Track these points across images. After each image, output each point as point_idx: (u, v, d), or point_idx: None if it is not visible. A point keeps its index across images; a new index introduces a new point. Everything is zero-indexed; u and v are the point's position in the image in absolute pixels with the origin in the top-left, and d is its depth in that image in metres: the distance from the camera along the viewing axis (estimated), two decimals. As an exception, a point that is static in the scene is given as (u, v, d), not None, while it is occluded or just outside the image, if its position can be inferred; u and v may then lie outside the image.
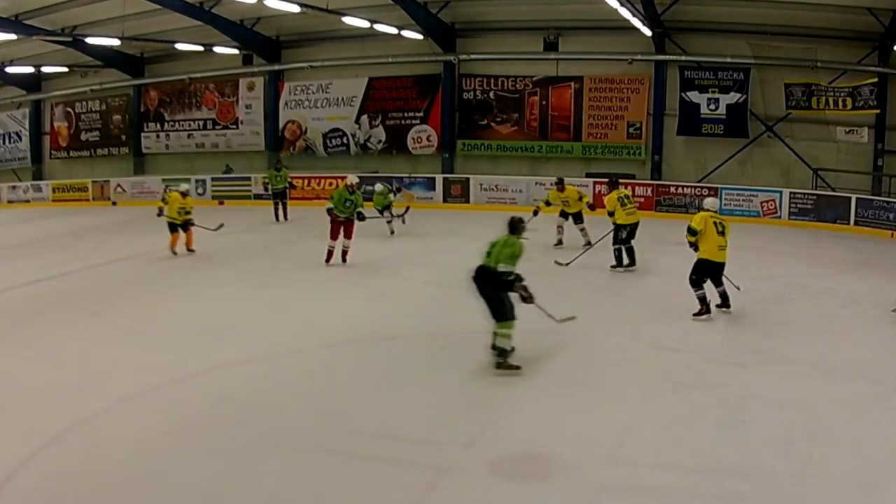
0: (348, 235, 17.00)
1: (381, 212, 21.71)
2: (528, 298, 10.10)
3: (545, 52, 28.49)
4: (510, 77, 29.14)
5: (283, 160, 26.79)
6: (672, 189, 25.93)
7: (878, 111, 24.79)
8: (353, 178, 17.59)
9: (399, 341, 11.99)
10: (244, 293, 15.33)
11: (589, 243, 17.95)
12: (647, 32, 25.78)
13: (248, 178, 30.90)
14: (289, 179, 25.33)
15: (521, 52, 28.76)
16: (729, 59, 26.09)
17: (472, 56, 29.26)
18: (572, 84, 28.42)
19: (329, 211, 16.87)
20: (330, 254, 16.98)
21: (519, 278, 10.03)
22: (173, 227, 18.77)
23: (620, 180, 23.28)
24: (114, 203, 31.87)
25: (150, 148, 35.27)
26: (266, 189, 25.75)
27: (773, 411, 8.86)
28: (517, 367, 10.03)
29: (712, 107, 26.43)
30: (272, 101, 31.94)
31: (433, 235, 21.67)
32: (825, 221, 24.02)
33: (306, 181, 29.12)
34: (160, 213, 19.47)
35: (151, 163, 35.54)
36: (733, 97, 26.23)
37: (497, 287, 9.93)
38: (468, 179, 28.51)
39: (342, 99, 30.88)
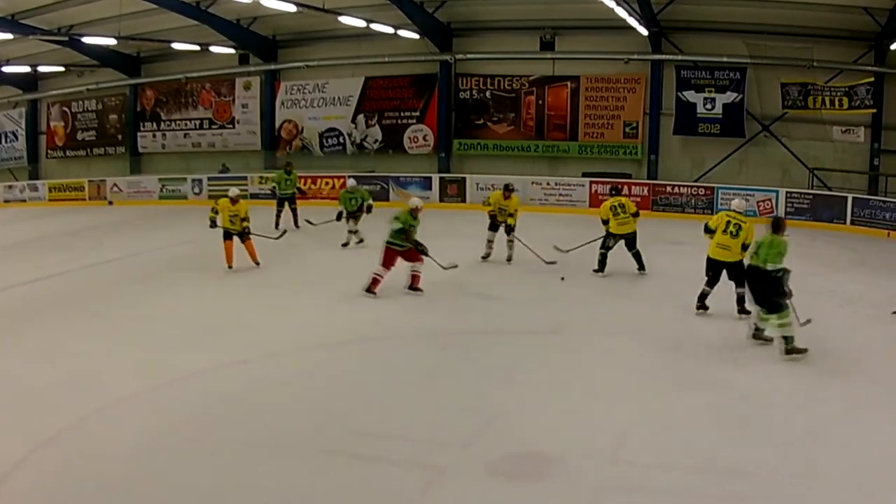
0: (415, 259, 14.55)
1: (349, 215, 19.90)
2: (789, 294, 10.58)
3: (541, 52, 28.41)
4: (506, 76, 29.03)
5: (293, 162, 25.31)
6: (668, 189, 25.80)
7: (874, 110, 24.74)
8: (417, 202, 15.29)
9: (399, 341, 11.91)
10: (243, 293, 15.25)
11: (510, 259, 17.48)
12: (644, 32, 25.60)
13: (245, 178, 30.50)
14: (298, 184, 23.97)
15: (518, 51, 28.67)
16: (725, 59, 25.99)
17: (469, 55, 29.18)
18: (568, 83, 28.31)
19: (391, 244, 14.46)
20: (375, 282, 14.32)
21: (786, 272, 10.59)
22: (227, 235, 16.75)
23: (620, 181, 23.60)
24: (110, 202, 31.74)
25: (147, 147, 35.16)
26: (274, 193, 23.42)
27: (773, 411, 8.86)
28: (804, 350, 10.42)
29: (708, 106, 26.32)
30: (268, 101, 32.03)
31: (430, 236, 18.15)
32: (822, 221, 23.91)
33: (303, 181, 27.85)
34: (213, 225, 17.01)
35: (148, 162, 35.52)
36: (729, 97, 26.13)
37: (769, 284, 10.50)
38: (464, 179, 28.35)
39: (338, 98, 30.83)
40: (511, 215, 17.12)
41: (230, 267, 16.33)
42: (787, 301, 10.67)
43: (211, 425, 8.69)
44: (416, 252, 14.47)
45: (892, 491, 7.05)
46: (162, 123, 34.69)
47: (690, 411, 8.98)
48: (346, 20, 25.20)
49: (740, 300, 12.54)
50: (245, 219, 16.79)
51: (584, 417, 8.72)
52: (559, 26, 27.92)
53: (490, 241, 17.52)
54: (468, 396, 9.41)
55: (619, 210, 15.80)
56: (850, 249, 19.65)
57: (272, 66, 31.62)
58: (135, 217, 26.35)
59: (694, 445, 7.98)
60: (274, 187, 23.33)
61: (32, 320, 13.28)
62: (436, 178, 28.86)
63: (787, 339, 10.62)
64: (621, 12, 22.52)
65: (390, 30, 26.56)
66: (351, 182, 20.82)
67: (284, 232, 18.58)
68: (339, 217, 19.23)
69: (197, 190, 31.24)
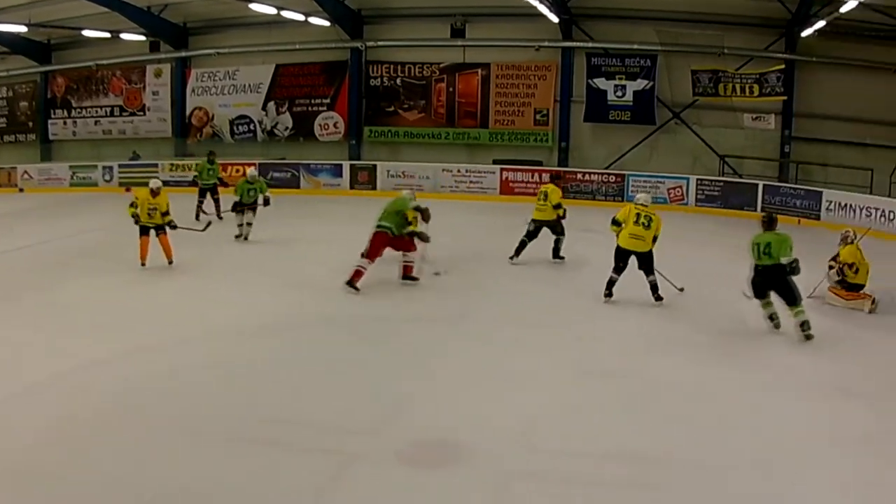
0: (407, 248, 13.79)
1: (244, 207, 18.44)
2: (797, 269, 10.96)
3: (452, 39, 27.69)
4: (417, 64, 28.26)
5: (216, 151, 23.67)
6: (579, 176, 25.28)
7: (785, 98, 24.60)
8: (408, 194, 14.45)
9: (311, 329, 11.75)
10: (156, 280, 14.92)
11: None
12: (554, 19, 25.12)
13: (156, 165, 29.28)
14: (220, 174, 22.43)
15: (428, 38, 27.92)
16: (636, 46, 25.64)
17: (380, 43, 28.36)
18: (479, 71, 27.69)
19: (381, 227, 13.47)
20: (358, 275, 13.37)
21: (797, 262, 10.96)
22: (144, 230, 15.30)
23: (557, 170, 23.74)
24: (21, 190, 30.21)
25: (58, 134, 33.79)
26: (196, 182, 21.97)
27: (678, 398, 8.88)
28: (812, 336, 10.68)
29: (619, 93, 26.02)
30: (179, 88, 30.70)
31: (341, 223, 20.57)
32: (732, 208, 23.73)
33: (219, 167, 26.00)
34: (138, 221, 15.44)
35: (59, 149, 33.80)
36: (640, 84, 25.83)
37: (786, 276, 10.86)
38: (375, 166, 27.50)
39: (249, 86, 29.73)
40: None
41: (143, 264, 15.04)
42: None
43: (120, 412, 8.47)
44: (407, 241, 13.82)
45: (798, 473, 7.06)
46: (73, 111, 33.42)
47: (599, 399, 8.97)
48: (256, 7, 24.72)
49: (654, 288, 12.74)
50: (166, 212, 15.38)
51: (494, 405, 8.64)
52: (470, 13, 27.31)
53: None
54: (379, 383, 9.32)
55: (540, 196, 15.50)
56: None
57: (183, 54, 30.43)
58: (46, 204, 25.42)
59: (602, 432, 7.99)
60: (196, 177, 22.15)
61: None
62: (346, 165, 27.89)
63: (805, 325, 10.95)
64: (532, 0, 22.31)
65: (301, 17, 26.00)
66: (251, 172, 19.77)
67: (209, 224, 17.05)
68: (234, 208, 18.16)
69: (108, 177, 29.99)
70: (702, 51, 24.90)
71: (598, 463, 7.29)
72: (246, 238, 17.99)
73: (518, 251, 15.44)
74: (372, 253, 13.25)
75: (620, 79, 25.97)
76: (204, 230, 16.33)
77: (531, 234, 15.48)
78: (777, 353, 10.70)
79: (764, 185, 23.78)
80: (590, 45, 26.22)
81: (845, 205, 21.14)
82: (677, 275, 13.57)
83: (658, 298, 12.59)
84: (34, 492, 6.80)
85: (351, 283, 13.06)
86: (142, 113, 31.81)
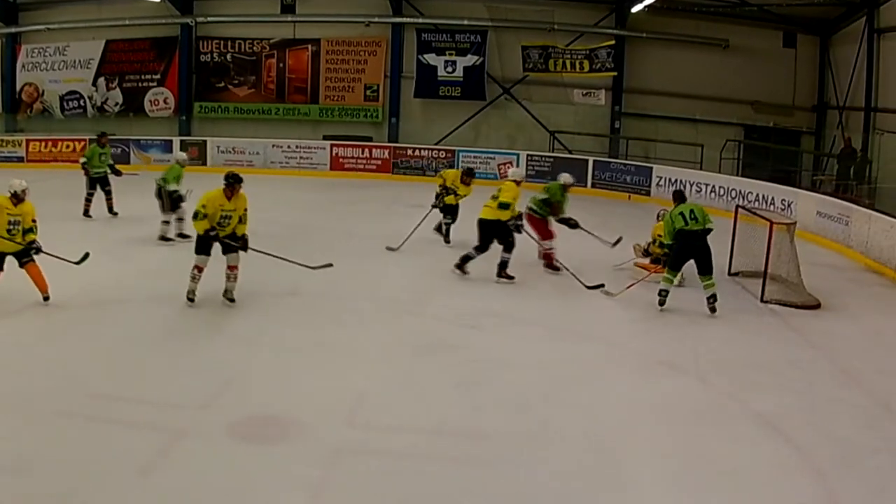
0: (546, 235, 11.48)
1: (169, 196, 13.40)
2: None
3: (282, 15, 22.34)
4: (247, 39, 22.48)
5: (107, 133, 16.23)
6: (409, 152, 20.97)
7: (615, 73, 21.24)
8: (567, 177, 12.10)
9: (134, 304, 10.12)
10: None
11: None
12: None
13: None
14: (111, 161, 14.98)
15: (259, 14, 22.41)
16: (466, 22, 21.53)
17: (210, 18, 22.54)
18: (309, 46, 22.31)
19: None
20: (548, 258, 11.38)
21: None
22: None
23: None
24: None
25: None
26: (86, 171, 14.52)
27: (509, 374, 8.07)
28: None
29: (449, 69, 21.72)
30: (9, 64, 24.46)
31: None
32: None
33: (44, 143, 23.02)
34: None
35: None
36: (470, 59, 21.64)
37: (708, 243, 10.00)
38: (205, 142, 21.78)
39: (79, 62, 23.81)
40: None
41: None
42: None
43: None
44: (547, 228, 11.92)
45: (623, 448, 6.54)
46: None
47: (428, 374, 8.07)
48: None
49: (500, 264, 11.19)
50: (30, 229, 9.02)
51: (322, 380, 7.69)
52: None
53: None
54: (208, 359, 8.16)
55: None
56: (589, 213, 15.92)
57: (13, 30, 24.21)
58: None
59: (431, 408, 7.25)
60: (84, 163, 14.59)
61: None
62: (176, 140, 22.21)
63: (713, 297, 10.10)
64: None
65: None
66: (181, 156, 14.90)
67: (87, 255, 10.10)
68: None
69: None
70: (532, 26, 21.34)
71: (427, 439, 6.64)
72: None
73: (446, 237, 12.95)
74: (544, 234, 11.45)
75: (450, 55, 21.80)
76: (80, 262, 9.98)
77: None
78: (609, 330, 9.67)
79: (594, 161, 20.43)
80: (420, 20, 21.74)
81: (675, 180, 17.92)
82: (515, 250, 11.87)
83: (506, 276, 10.83)
84: None
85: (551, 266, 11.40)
86: (-34, 89, 24.77)
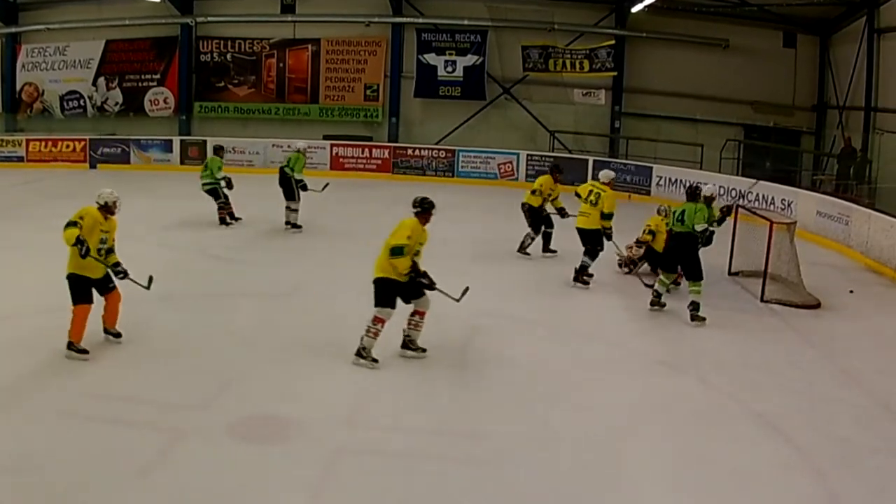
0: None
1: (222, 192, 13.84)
2: (709, 240, 10.07)
3: (282, 15, 22.84)
4: (247, 39, 22.92)
5: (223, 146, 15.78)
6: (409, 151, 21.33)
7: (615, 73, 21.65)
8: (710, 189, 11.19)
9: (134, 304, 9.41)
10: None
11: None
12: None
13: None
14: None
15: (259, 14, 22.87)
16: (466, 22, 21.94)
17: (209, 18, 22.94)
18: (310, 46, 22.78)
19: None
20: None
21: (710, 232, 10.10)
22: (84, 287, 7.80)
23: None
24: None
25: None
26: (229, 184, 14.08)
27: (509, 373, 8.26)
28: (704, 318, 9.67)
29: (449, 69, 22.14)
30: (9, 64, 24.89)
31: (169, 197, 18.06)
32: (563, 184, 20.00)
33: (44, 143, 23.34)
34: (85, 250, 7.58)
35: None
36: (470, 59, 22.06)
37: (695, 247, 9.78)
38: (205, 142, 21.69)
39: (79, 61, 24.18)
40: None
41: (83, 353, 8.01)
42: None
43: None
44: None
45: (623, 448, 6.68)
46: None
47: (428, 375, 8.16)
48: None
49: (578, 269, 11.31)
50: (112, 249, 8.01)
51: (322, 380, 7.84)
52: None
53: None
54: (207, 360, 8.25)
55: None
56: None
57: (13, 30, 24.58)
58: None
59: (432, 409, 7.44)
60: (227, 178, 14.08)
61: None
62: (177, 140, 22.62)
63: (697, 305, 9.99)
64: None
65: None
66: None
67: (151, 279, 8.71)
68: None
69: None
70: (532, 26, 21.73)
71: (428, 439, 6.78)
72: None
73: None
74: None
75: (451, 54, 22.21)
76: (149, 286, 8.88)
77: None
78: (607, 327, 9.89)
79: (594, 161, 20.46)
80: (420, 20, 22.18)
81: (675, 180, 18.42)
82: (513, 249, 13.05)
83: (582, 281, 10.90)
84: None
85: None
86: (-35, 88, 25.48)
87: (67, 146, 22.77)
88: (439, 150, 21.28)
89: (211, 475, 5.85)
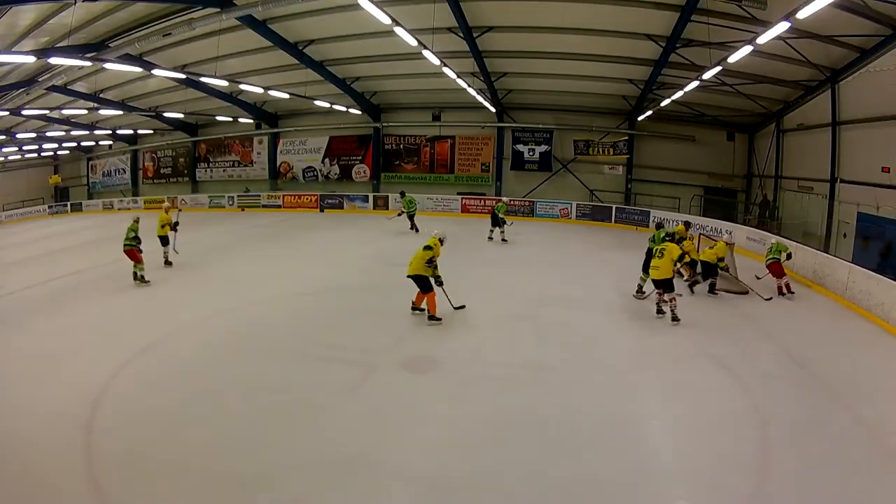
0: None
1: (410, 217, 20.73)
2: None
3: (433, 122, 29.92)
4: (412, 136, 30.44)
5: (405, 191, 24.12)
6: (506, 201, 24.51)
7: (628, 156, 27.63)
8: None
9: (347, 291, 12.28)
10: (261, 262, 15.35)
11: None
12: (493, 109, 27.59)
13: (258, 196, 32.47)
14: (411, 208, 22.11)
15: (418, 121, 30.19)
16: (540, 126, 28.26)
17: (390, 123, 30.47)
18: (449, 140, 30.00)
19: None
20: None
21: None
22: (428, 284, 10.44)
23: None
24: (179, 210, 26.77)
25: (202, 177, 36.12)
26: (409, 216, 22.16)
27: (565, 332, 9.63)
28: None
29: (531, 153, 28.68)
30: (273, 150, 33.24)
31: (367, 229, 22.11)
32: (597, 221, 26.43)
33: (292, 196, 30.99)
34: (435, 268, 10.69)
35: (202, 186, 36.46)
36: (543, 147, 28.52)
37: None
38: (387, 196, 29.96)
39: (314, 149, 32.33)
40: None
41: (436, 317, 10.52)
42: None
43: (241, 341, 9.31)
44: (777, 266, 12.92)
45: (633, 376, 7.92)
46: (210, 163, 35.76)
47: (519, 332, 9.68)
48: (318, 103, 26.17)
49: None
50: (436, 265, 10.74)
51: (455, 337, 9.32)
52: (444, 106, 29.72)
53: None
54: (390, 324, 9.97)
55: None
56: (614, 237, 21.64)
57: (275, 130, 32.93)
58: (195, 219, 26.89)
59: (520, 352, 8.74)
60: (404, 212, 22.33)
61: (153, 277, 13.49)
62: (371, 196, 30.38)
63: (642, 289, 11.26)
64: (479, 98, 24.55)
65: (344, 108, 27.75)
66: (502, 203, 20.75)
67: (462, 306, 11.35)
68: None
69: (231, 203, 32.90)
70: (579, 128, 27.72)
71: (518, 370, 7.92)
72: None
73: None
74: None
75: (531, 144, 28.66)
76: (459, 308, 11.27)
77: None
78: (624, 307, 11.09)
79: (615, 207, 26.10)
80: (513, 124, 28.47)
81: (664, 218, 22.15)
82: (566, 258, 14.37)
83: (660, 312, 11.00)
84: (196, 383, 7.58)
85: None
86: (250, 164, 34.51)
87: (307, 199, 30.69)
88: (525, 200, 27.92)
89: (392, 391, 7.20)
